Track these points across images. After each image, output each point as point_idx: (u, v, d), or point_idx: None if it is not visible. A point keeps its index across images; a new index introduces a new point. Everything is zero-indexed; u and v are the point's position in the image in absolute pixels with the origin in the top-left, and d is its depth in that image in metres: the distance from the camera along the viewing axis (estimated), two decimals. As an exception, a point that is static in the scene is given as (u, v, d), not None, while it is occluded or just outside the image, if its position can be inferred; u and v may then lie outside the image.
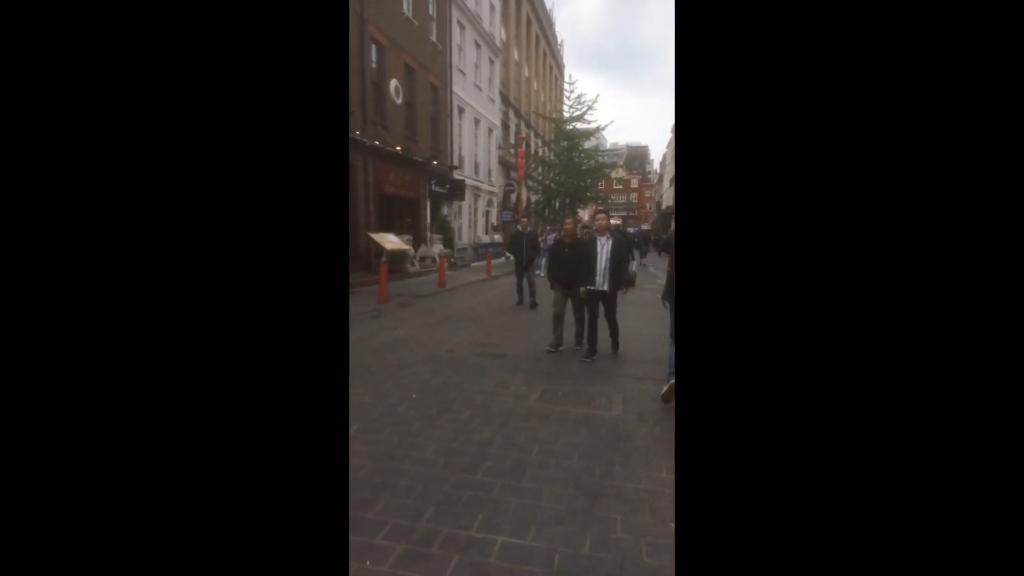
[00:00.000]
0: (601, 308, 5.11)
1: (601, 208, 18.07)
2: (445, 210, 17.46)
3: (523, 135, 25.82)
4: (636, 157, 79.29)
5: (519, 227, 9.68)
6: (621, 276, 4.98)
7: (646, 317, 7.49)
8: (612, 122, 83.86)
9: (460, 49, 17.95)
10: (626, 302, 6.30)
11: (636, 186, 75.13)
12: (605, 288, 4.93)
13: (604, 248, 4.95)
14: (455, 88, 17.60)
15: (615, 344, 5.36)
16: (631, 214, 65.34)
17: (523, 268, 8.73)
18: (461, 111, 18.46)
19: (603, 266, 4.92)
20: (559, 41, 32.04)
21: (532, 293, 8.60)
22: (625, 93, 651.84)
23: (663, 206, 51.11)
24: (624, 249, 5.10)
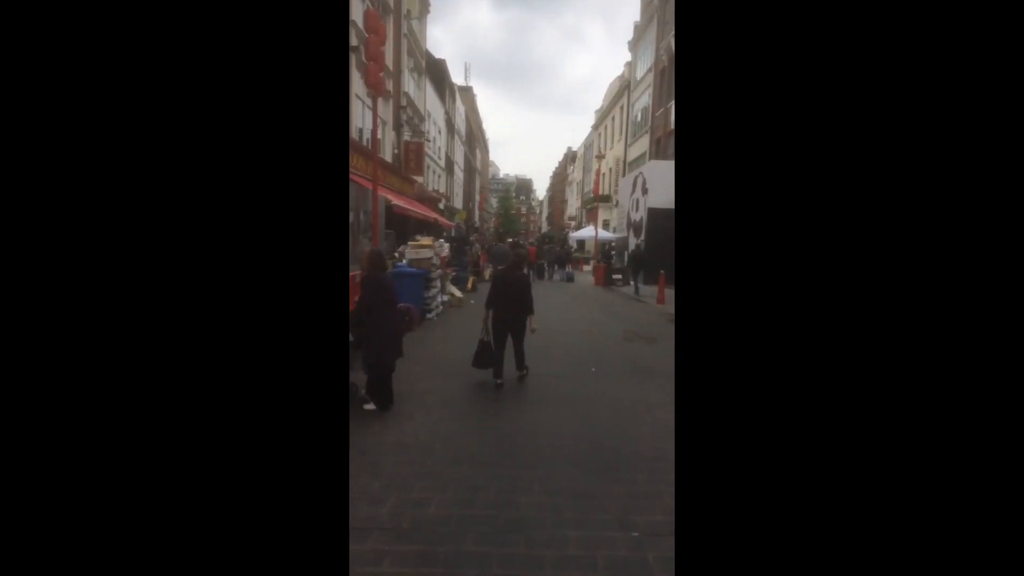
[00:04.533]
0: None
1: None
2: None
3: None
4: (523, 187, 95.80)
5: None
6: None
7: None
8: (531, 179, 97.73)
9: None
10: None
11: (525, 212, 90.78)
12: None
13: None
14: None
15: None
16: (521, 233, 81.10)
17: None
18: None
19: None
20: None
21: None
22: (515, 105, 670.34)
23: (543, 229, 66.60)
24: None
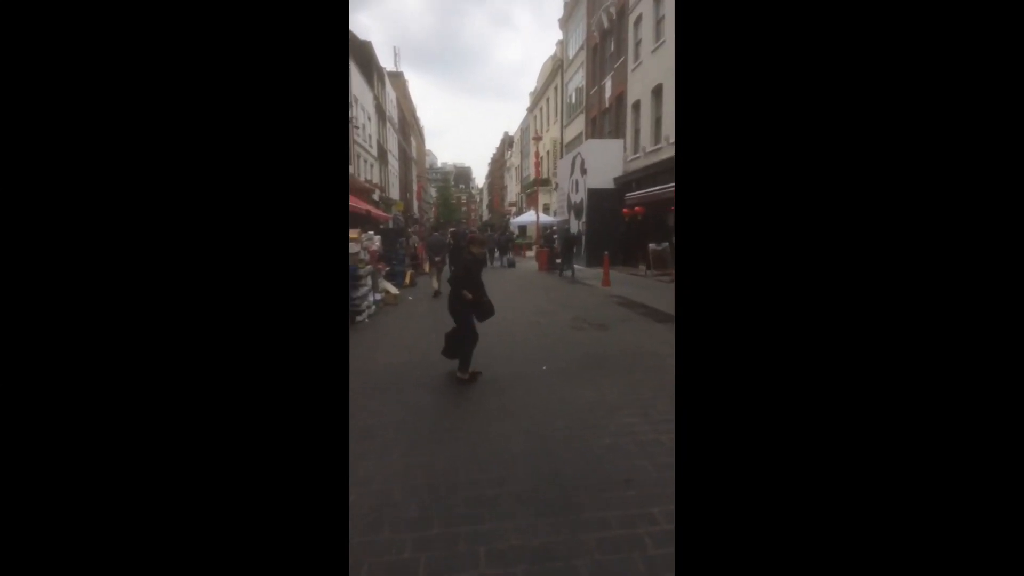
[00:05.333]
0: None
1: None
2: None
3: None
4: (462, 176, 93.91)
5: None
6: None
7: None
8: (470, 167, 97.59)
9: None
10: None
11: (465, 200, 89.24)
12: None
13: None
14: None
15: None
16: (462, 222, 79.86)
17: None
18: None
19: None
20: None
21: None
22: (449, 93, 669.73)
23: (484, 218, 65.66)
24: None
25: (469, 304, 4.38)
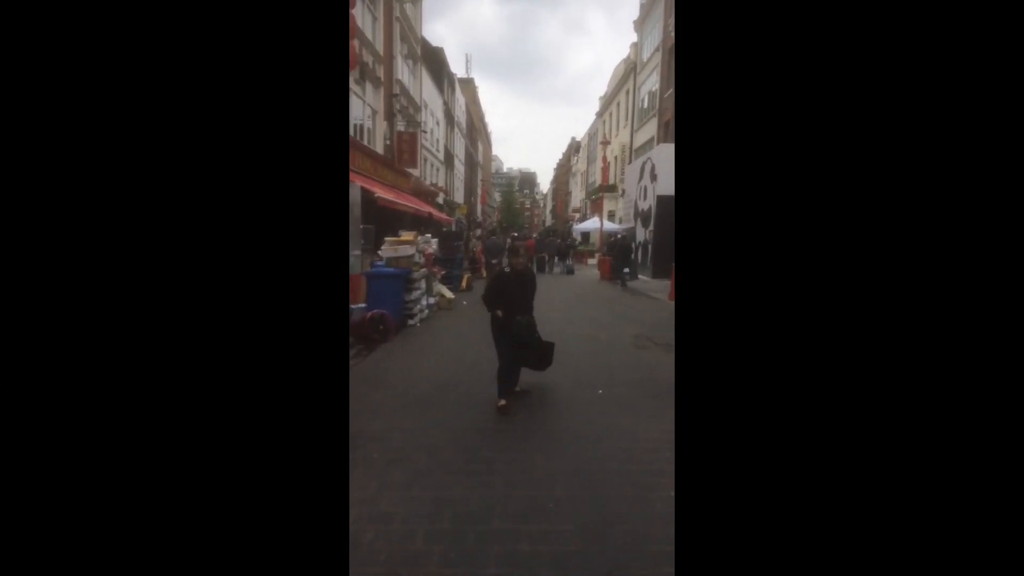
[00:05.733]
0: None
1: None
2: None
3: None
4: (527, 181, 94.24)
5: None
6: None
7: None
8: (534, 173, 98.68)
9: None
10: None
11: (528, 206, 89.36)
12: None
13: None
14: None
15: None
16: (525, 227, 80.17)
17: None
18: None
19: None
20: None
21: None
22: (518, 99, 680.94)
23: (547, 223, 65.30)
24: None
25: (499, 325, 3.76)
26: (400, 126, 16.43)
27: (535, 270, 19.23)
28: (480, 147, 46.68)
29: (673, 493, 2.61)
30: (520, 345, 3.84)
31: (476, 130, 42.81)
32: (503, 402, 3.79)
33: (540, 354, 4.04)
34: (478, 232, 19.54)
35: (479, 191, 43.80)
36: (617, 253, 14.61)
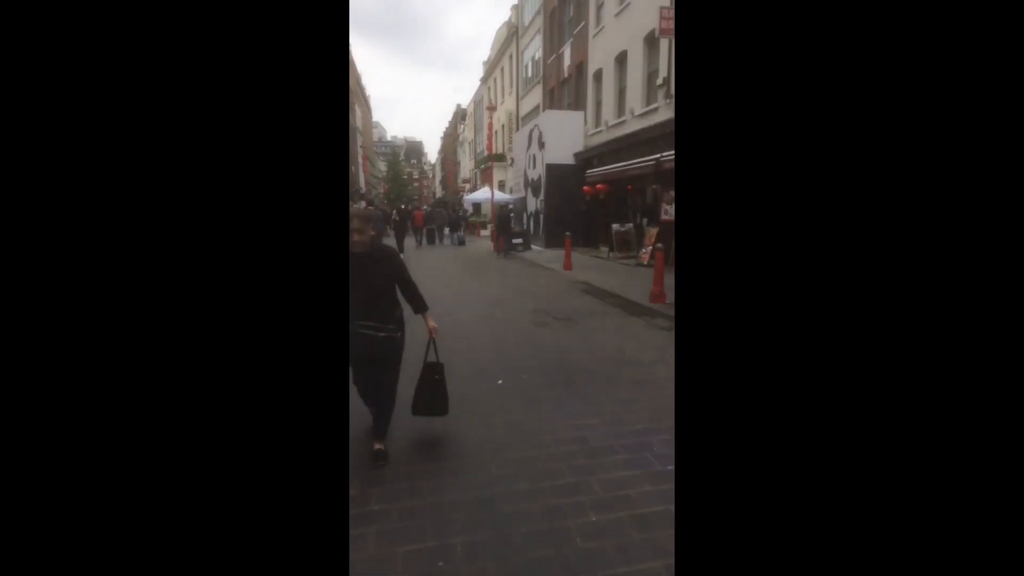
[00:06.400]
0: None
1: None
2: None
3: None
4: (413, 150, 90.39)
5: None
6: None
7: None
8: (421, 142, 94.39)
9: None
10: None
11: (417, 176, 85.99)
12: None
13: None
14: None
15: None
16: (414, 199, 77.23)
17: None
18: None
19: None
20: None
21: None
22: (399, 64, 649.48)
23: (437, 195, 63.35)
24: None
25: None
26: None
27: (424, 242, 18.38)
28: (358, 112, 43.34)
29: (596, 517, 2.12)
30: (369, 365, 2.58)
31: (352, 93, 39.61)
32: (379, 445, 2.64)
33: (428, 390, 2.84)
34: (362, 204, 18.16)
35: (360, 159, 40.90)
36: (498, 223, 14.72)
